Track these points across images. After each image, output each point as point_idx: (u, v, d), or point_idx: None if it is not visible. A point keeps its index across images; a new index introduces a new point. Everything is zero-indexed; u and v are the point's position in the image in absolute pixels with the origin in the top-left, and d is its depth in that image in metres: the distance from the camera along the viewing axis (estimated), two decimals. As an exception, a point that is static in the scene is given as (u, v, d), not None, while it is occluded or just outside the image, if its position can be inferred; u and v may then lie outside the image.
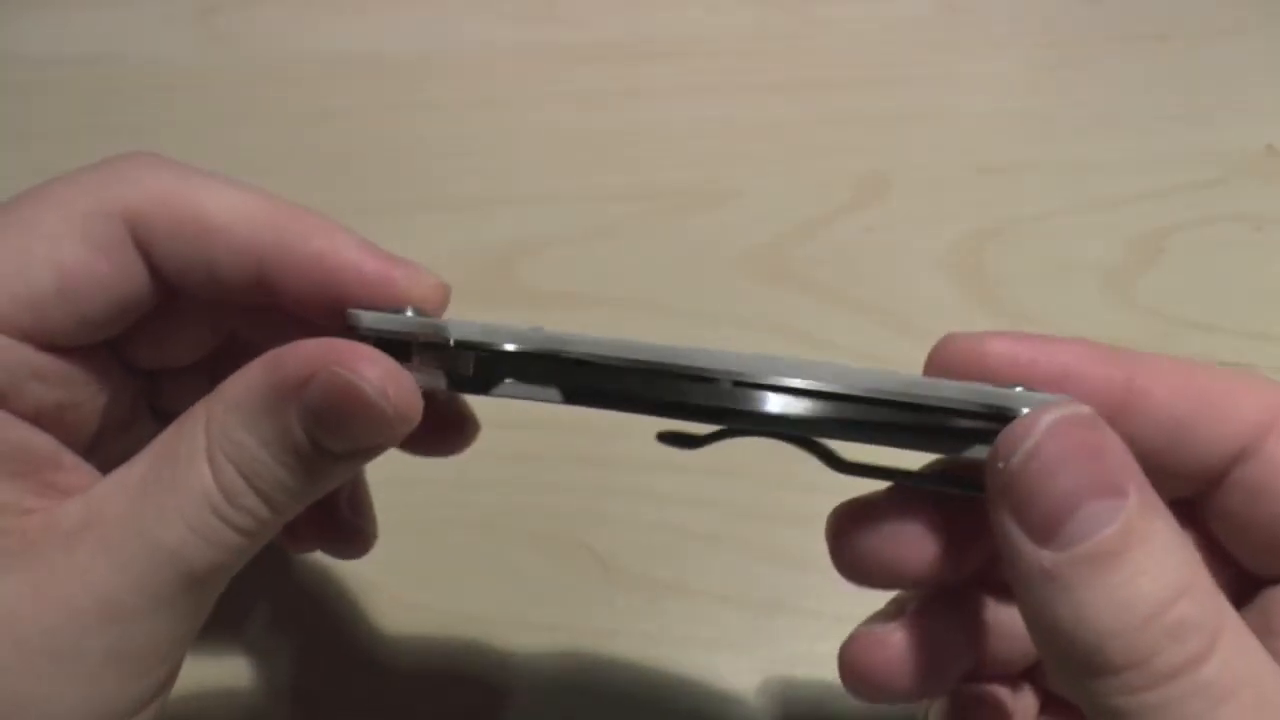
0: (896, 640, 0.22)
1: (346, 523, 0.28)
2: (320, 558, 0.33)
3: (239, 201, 0.22)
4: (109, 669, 0.20)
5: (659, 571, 0.33)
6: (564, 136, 0.45)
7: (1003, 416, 0.20)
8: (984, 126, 0.46)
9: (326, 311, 0.22)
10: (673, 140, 0.45)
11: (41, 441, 0.22)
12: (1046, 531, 0.18)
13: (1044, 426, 0.19)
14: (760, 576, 0.33)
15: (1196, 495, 0.22)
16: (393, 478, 0.33)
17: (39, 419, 0.22)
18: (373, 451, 0.21)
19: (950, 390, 0.20)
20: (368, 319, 0.21)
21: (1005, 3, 0.50)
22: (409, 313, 0.21)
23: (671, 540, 0.33)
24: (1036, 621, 0.18)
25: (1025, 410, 0.19)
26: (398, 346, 0.21)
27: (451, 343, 0.21)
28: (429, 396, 0.21)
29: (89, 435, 0.24)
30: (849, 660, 0.22)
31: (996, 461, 0.19)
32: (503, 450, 0.34)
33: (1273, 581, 0.21)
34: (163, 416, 0.27)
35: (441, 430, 0.27)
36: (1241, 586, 0.21)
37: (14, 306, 0.21)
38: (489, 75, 0.47)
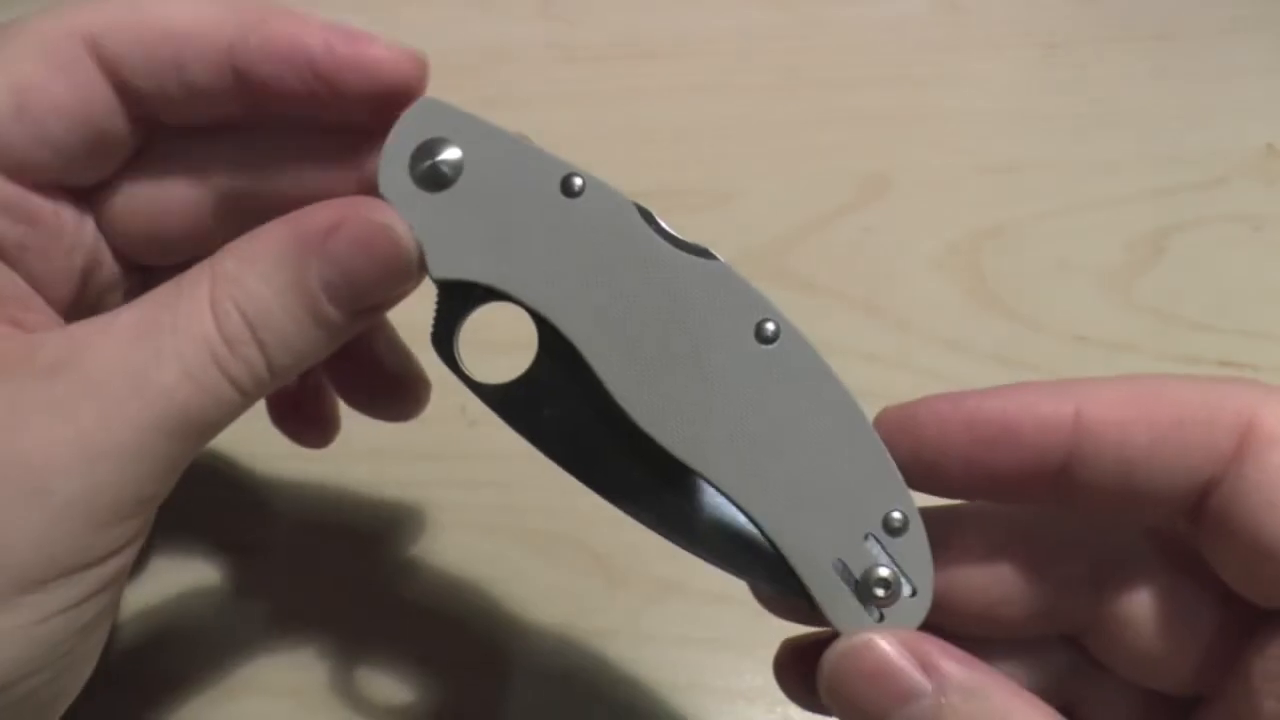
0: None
1: (309, 412, 0.28)
2: (317, 560, 0.33)
3: (199, 6, 0.22)
4: (76, 510, 0.19)
5: (659, 571, 0.33)
6: (563, 136, 0.45)
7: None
8: (984, 126, 0.46)
9: (306, 100, 0.22)
10: (673, 140, 0.45)
11: (6, 276, 0.21)
12: None
13: (829, 663, 0.20)
14: (760, 576, 0.33)
15: (1188, 523, 0.20)
16: (392, 478, 0.33)
17: (1, 254, 0.22)
18: (380, 309, 0.22)
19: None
20: (392, 194, 0.22)
21: (1005, 3, 0.50)
22: None
23: (671, 540, 0.33)
24: None
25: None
26: None
27: (435, 280, 0.22)
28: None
29: (62, 296, 0.23)
30: (778, 661, 0.24)
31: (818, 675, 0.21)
32: (503, 450, 0.34)
33: (1275, 613, 0.20)
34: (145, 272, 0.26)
35: (394, 390, 0.28)
36: (1250, 622, 0.20)
37: None
38: (488, 75, 0.47)
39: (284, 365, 0.21)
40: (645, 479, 0.22)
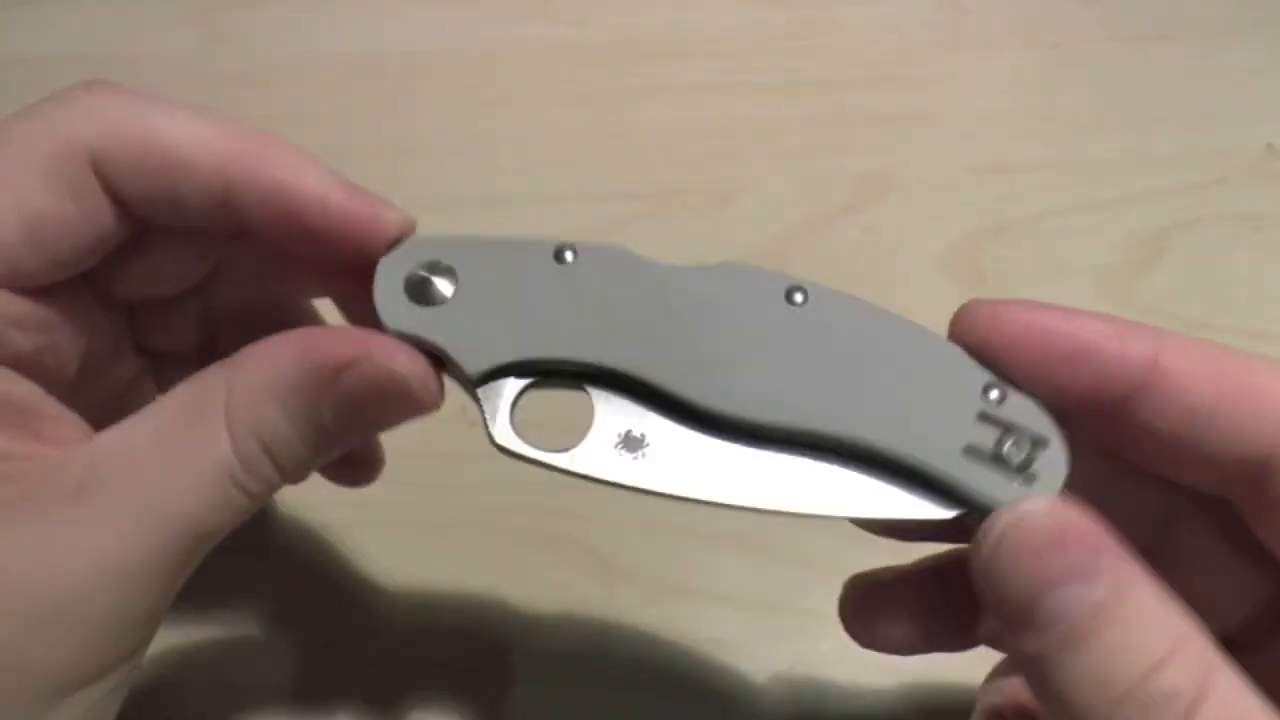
0: (894, 591, 0.23)
1: (355, 454, 0.29)
2: (316, 558, 0.33)
3: (202, 131, 0.22)
4: (108, 631, 0.20)
5: (659, 571, 0.33)
6: (564, 136, 0.45)
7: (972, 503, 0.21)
8: (984, 126, 0.46)
9: (296, 242, 0.22)
10: (673, 140, 0.45)
11: (24, 390, 0.22)
12: (1021, 622, 0.19)
13: (1003, 525, 0.19)
14: (760, 576, 0.33)
15: (1230, 491, 0.21)
16: (392, 478, 0.33)
17: (19, 366, 0.22)
18: (392, 427, 0.22)
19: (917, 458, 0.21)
20: (397, 323, 0.22)
21: (1005, 3, 0.50)
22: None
23: (671, 540, 0.33)
24: (1035, 700, 0.19)
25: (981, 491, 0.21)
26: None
27: (473, 379, 0.22)
28: None
29: (69, 376, 0.24)
30: (845, 597, 0.23)
31: (973, 558, 0.20)
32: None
33: None
34: (148, 352, 0.26)
35: (354, 464, 0.29)
36: None
37: None
38: (489, 75, 0.47)
39: (295, 474, 0.22)
40: (757, 470, 0.22)
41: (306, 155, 0.22)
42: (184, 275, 0.25)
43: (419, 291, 0.22)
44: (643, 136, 0.45)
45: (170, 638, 0.32)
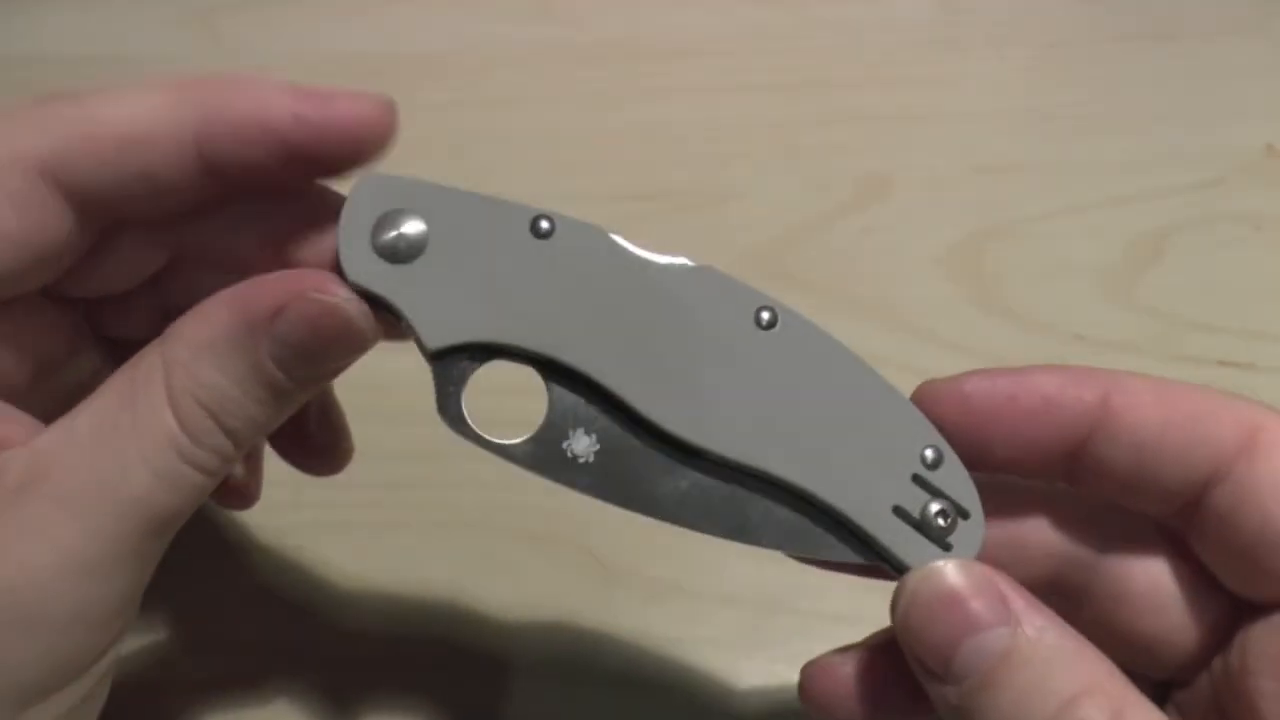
0: (845, 672, 0.23)
1: (315, 440, 0.28)
2: (316, 558, 0.33)
3: (151, 101, 0.21)
4: (75, 626, 0.19)
5: (658, 571, 0.33)
6: (564, 136, 0.45)
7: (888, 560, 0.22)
8: (984, 126, 0.46)
9: (283, 172, 0.21)
10: (673, 140, 0.45)
11: None
12: (940, 674, 0.20)
13: (915, 582, 0.21)
14: (760, 576, 0.33)
15: (1180, 518, 0.22)
16: (392, 478, 0.33)
17: None
18: (336, 373, 0.22)
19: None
20: (358, 276, 0.21)
21: (1005, 3, 0.50)
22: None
23: (671, 540, 0.33)
24: None
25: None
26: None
27: (430, 352, 0.21)
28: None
29: (24, 380, 0.23)
30: (802, 684, 0.24)
31: (891, 617, 0.21)
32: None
33: (1257, 606, 0.21)
34: (109, 342, 0.25)
35: (318, 451, 0.28)
36: (1234, 612, 0.22)
37: None
38: (489, 75, 0.47)
39: (248, 440, 0.21)
40: (692, 489, 0.22)
41: (264, 79, 0.21)
42: (141, 268, 0.24)
43: (386, 246, 0.21)
44: (643, 136, 0.45)
45: (167, 638, 0.32)
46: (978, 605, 0.20)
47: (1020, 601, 0.20)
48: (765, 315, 0.22)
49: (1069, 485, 0.23)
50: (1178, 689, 0.23)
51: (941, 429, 0.22)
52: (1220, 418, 0.21)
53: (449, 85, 0.47)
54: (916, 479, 0.22)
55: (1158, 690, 0.23)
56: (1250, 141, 0.44)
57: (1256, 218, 0.42)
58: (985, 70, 0.48)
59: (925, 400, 0.22)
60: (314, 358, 0.21)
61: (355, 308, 0.21)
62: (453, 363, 0.22)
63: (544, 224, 0.22)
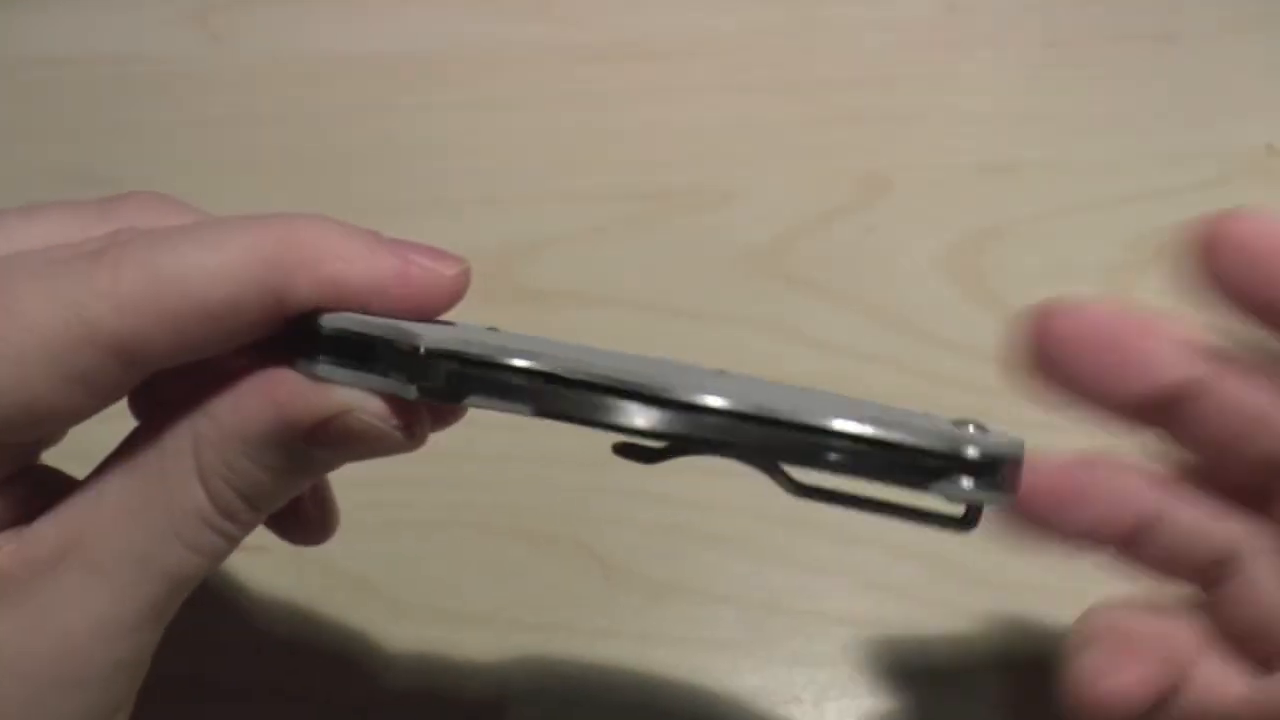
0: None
1: (307, 513, 0.28)
2: (315, 558, 0.33)
3: (239, 263, 0.19)
4: (110, 680, 0.21)
5: (658, 571, 0.33)
6: (564, 136, 0.45)
7: (957, 456, 0.19)
8: (984, 126, 0.46)
9: None
10: (673, 140, 0.45)
11: None
12: None
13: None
14: (760, 576, 0.33)
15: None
16: (392, 478, 0.33)
17: None
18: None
19: (901, 428, 0.19)
20: (335, 320, 0.20)
21: (1005, 3, 0.50)
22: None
23: (671, 540, 0.33)
24: None
25: (973, 451, 0.19)
26: (362, 346, 0.20)
27: (422, 350, 0.20)
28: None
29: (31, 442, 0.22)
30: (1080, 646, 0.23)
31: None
32: (501, 450, 0.34)
33: None
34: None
35: (307, 523, 0.28)
36: None
37: None
38: (489, 75, 0.47)
39: (275, 508, 0.22)
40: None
41: (345, 235, 0.20)
42: None
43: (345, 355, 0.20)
44: (643, 136, 0.45)
45: (168, 638, 0.32)
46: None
47: None
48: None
49: (1162, 437, 0.23)
50: None
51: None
52: None
53: (449, 85, 0.47)
54: (958, 423, 0.21)
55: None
56: (1250, 141, 0.44)
57: (1256, 218, 0.42)
58: (985, 70, 0.48)
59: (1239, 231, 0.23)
60: (349, 458, 0.21)
61: (401, 431, 0.21)
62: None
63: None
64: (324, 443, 0.20)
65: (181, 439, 0.20)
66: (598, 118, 0.46)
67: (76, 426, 0.21)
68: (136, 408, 0.26)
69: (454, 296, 0.21)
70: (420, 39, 0.49)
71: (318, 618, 0.32)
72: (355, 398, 0.20)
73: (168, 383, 0.25)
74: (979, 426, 0.20)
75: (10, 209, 0.21)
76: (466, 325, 0.22)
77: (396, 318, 0.21)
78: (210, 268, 0.19)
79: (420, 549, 0.33)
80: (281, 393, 0.20)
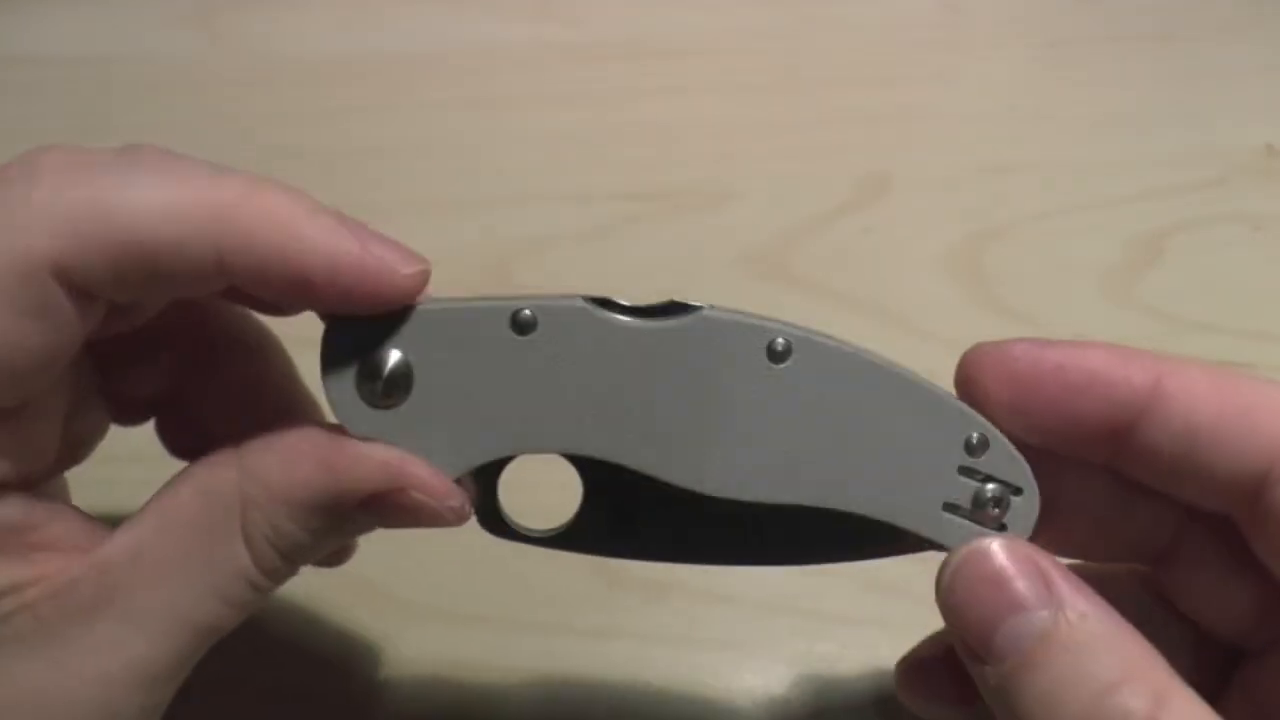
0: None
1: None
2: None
3: (175, 201, 0.19)
4: None
5: (659, 571, 0.33)
6: (563, 136, 0.45)
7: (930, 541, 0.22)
8: (984, 126, 0.46)
9: (296, 300, 0.21)
10: (673, 140, 0.45)
11: (8, 510, 0.21)
12: (981, 652, 0.20)
13: (959, 557, 0.21)
14: (760, 577, 0.33)
15: (1233, 510, 0.21)
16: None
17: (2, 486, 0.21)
18: None
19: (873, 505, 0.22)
20: (359, 429, 0.21)
21: (1005, 3, 0.50)
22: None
23: (671, 540, 0.33)
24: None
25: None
26: None
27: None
28: None
29: (51, 458, 0.22)
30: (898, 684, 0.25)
31: (936, 592, 0.21)
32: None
33: None
34: (103, 374, 0.25)
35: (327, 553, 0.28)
36: None
37: None
38: (488, 75, 0.47)
39: (305, 564, 0.22)
40: (733, 533, 0.23)
41: (300, 203, 0.20)
42: (144, 312, 0.23)
43: (373, 395, 0.21)
44: (642, 136, 0.45)
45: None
46: (1020, 586, 0.20)
47: (1063, 584, 0.20)
48: (779, 345, 0.21)
49: (1113, 469, 0.22)
50: (1251, 660, 0.22)
51: (986, 395, 0.22)
52: (1278, 409, 0.20)
53: (449, 85, 0.47)
54: (963, 470, 0.21)
55: (1228, 656, 0.23)
56: (1250, 141, 0.44)
57: (1256, 218, 0.42)
58: (985, 70, 0.48)
59: (970, 364, 0.22)
60: (394, 527, 0.21)
61: (451, 511, 0.21)
62: (473, 478, 0.22)
63: (525, 314, 0.21)
64: (375, 513, 0.21)
65: (228, 497, 0.20)
66: (597, 118, 0.46)
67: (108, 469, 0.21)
68: (172, 444, 0.26)
69: (406, 295, 0.21)
70: (419, 39, 0.49)
71: (318, 618, 0.32)
72: (416, 478, 0.21)
73: (205, 418, 0.25)
74: (997, 497, 0.21)
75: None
76: None
77: (344, 301, 0.20)
78: (157, 204, 0.19)
79: (421, 549, 0.33)
80: (338, 461, 0.20)
